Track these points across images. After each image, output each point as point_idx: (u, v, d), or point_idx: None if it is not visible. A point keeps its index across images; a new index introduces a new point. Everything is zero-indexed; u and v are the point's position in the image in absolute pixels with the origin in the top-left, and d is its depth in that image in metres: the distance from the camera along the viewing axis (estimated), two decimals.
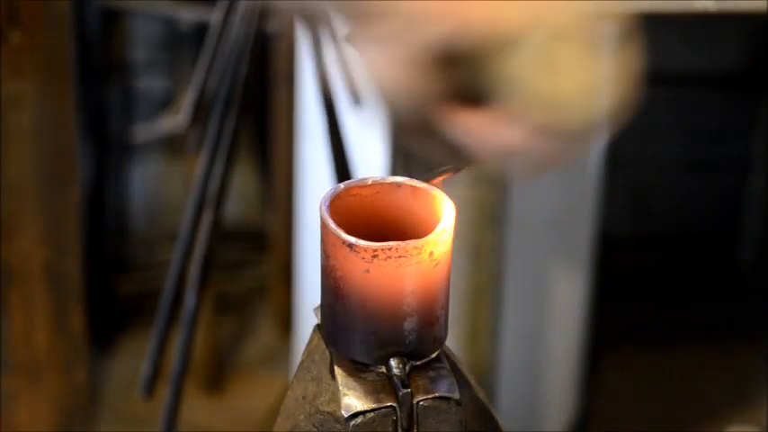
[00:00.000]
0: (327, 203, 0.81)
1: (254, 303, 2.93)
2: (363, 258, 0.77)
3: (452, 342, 0.86)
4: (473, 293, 1.51)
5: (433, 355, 0.82)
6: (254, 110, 2.77)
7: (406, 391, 0.79)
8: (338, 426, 0.79)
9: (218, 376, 2.65)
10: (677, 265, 3.03)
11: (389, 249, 0.77)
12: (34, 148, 1.65)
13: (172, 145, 2.98)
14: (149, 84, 2.99)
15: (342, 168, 1.80)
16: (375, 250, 0.77)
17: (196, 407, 2.49)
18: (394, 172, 1.87)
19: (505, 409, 2.13)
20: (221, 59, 1.84)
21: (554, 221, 2.25)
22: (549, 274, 2.30)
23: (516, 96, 0.74)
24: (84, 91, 2.71)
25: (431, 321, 0.81)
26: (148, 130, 2.93)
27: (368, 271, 0.78)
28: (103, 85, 2.85)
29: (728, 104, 3.02)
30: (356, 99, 1.89)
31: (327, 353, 0.82)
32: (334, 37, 1.82)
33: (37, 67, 1.63)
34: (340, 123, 1.81)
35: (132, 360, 2.58)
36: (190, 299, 1.91)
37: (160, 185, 3.08)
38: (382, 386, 0.80)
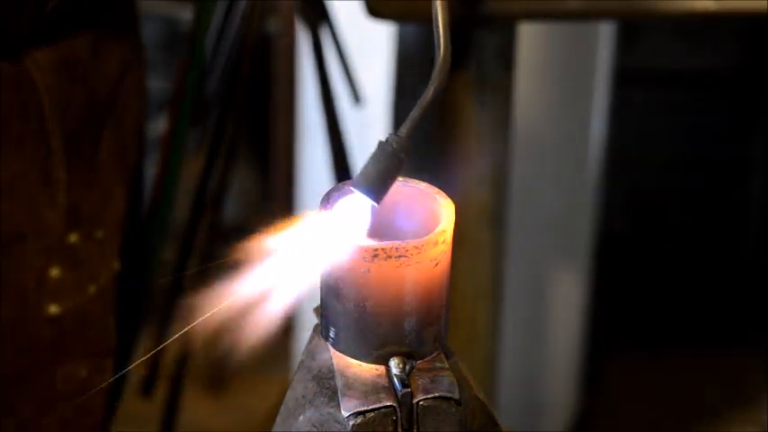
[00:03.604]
0: (327, 203, 0.81)
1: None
2: (363, 258, 0.77)
3: (452, 342, 0.86)
4: (473, 293, 1.51)
5: (433, 355, 0.82)
6: (254, 110, 2.77)
7: (406, 390, 0.79)
8: (338, 426, 0.79)
9: (218, 376, 2.65)
10: (677, 265, 3.03)
11: (389, 249, 0.77)
12: None
13: None
14: (149, 84, 2.98)
15: (342, 168, 1.80)
16: (375, 250, 0.77)
17: (196, 407, 2.49)
18: None
19: (505, 409, 2.13)
20: (221, 59, 1.84)
21: (554, 221, 2.25)
22: (549, 274, 2.30)
23: None
24: None
25: (431, 321, 0.81)
26: (149, 130, 2.93)
27: (368, 271, 0.78)
28: None
29: (728, 104, 3.02)
30: (356, 99, 1.89)
31: (327, 353, 0.82)
32: (334, 37, 1.82)
33: None
34: (340, 123, 1.81)
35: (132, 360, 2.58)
36: (190, 299, 1.91)
37: None
38: (382, 386, 0.80)
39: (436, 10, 0.82)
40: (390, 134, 0.80)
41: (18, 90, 1.17)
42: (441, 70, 0.81)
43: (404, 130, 0.81)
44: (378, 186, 0.79)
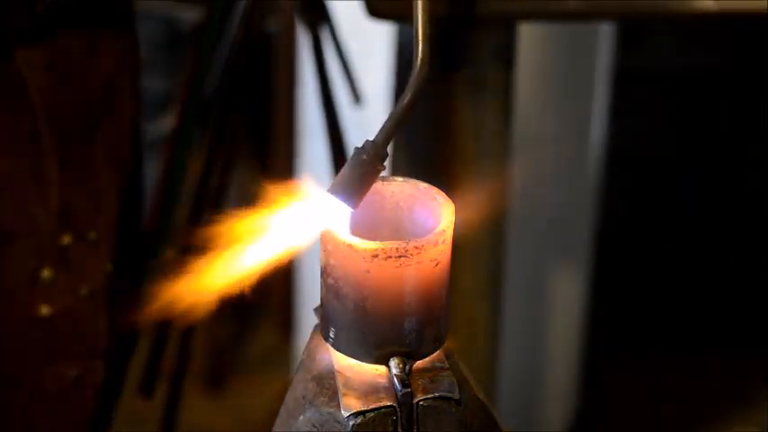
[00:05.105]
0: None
1: (254, 303, 2.92)
2: (363, 258, 0.77)
3: (452, 342, 0.86)
4: (473, 293, 1.51)
5: (433, 355, 0.82)
6: (254, 110, 2.77)
7: (406, 390, 0.79)
8: (338, 426, 0.79)
9: (218, 376, 2.65)
10: (677, 265, 3.03)
11: (389, 249, 0.77)
12: None
13: None
14: (149, 84, 2.98)
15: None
16: (375, 250, 0.77)
17: (196, 407, 2.49)
18: (395, 172, 1.87)
19: (505, 409, 2.13)
20: (221, 59, 1.84)
21: (554, 221, 2.25)
22: (549, 274, 2.30)
23: None
24: None
25: (431, 321, 0.81)
26: (149, 130, 2.93)
27: (368, 271, 0.78)
28: None
29: (728, 104, 3.02)
30: (356, 99, 1.89)
31: (327, 353, 0.82)
32: (334, 37, 1.82)
33: None
34: (340, 123, 1.81)
35: (132, 360, 2.58)
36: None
37: None
38: (382, 386, 0.80)
39: (416, 11, 0.79)
40: (366, 141, 0.80)
41: (9, 89, 1.17)
42: (416, 79, 0.78)
43: (379, 137, 0.80)
44: (353, 193, 0.79)
